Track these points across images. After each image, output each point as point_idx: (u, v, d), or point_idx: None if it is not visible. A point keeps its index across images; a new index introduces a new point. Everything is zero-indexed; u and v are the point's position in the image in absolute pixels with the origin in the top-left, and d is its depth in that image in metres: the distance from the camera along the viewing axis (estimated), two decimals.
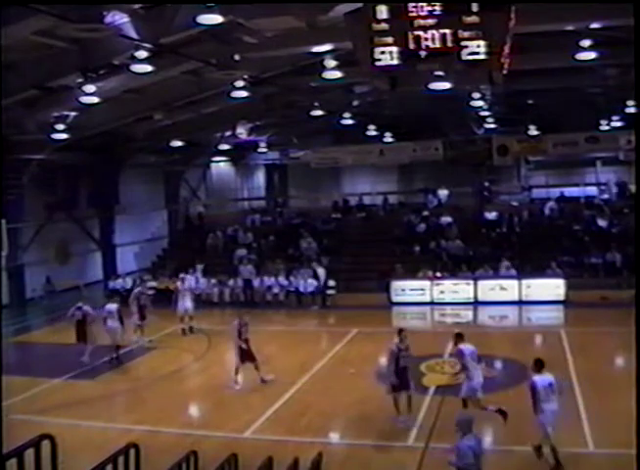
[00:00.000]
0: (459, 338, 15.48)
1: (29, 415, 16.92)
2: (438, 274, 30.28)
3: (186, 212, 45.57)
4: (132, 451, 10.26)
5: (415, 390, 16.07)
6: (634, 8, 8.81)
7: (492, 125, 45.56)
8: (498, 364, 20.13)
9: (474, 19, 10.30)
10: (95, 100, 23.35)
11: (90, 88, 22.27)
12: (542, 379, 13.00)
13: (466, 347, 15.24)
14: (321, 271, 30.98)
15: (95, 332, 22.70)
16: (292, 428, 15.56)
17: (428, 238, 34.52)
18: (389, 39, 10.89)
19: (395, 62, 10.95)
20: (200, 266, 32.78)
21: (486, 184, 41.31)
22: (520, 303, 28.49)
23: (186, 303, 25.96)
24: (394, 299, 29.94)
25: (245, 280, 32.09)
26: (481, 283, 29.20)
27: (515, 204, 38.18)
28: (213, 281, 32.56)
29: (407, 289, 29.98)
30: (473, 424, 10.63)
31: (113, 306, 22.61)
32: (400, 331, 15.93)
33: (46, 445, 8.15)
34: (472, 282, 29.30)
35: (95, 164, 36.54)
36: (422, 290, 29.85)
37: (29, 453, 7.56)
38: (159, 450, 12.75)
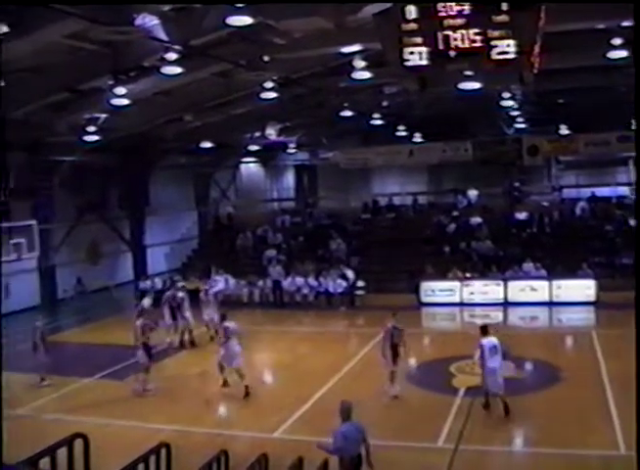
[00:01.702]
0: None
1: (60, 414, 17.11)
2: (468, 275, 30.13)
3: (216, 213, 45.73)
4: (163, 451, 10.33)
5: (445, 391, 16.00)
6: (634, 8, 8.74)
7: (522, 125, 45.30)
8: (528, 366, 19.98)
9: (503, 18, 10.23)
10: (125, 102, 23.50)
11: (121, 90, 22.43)
12: (488, 341, 15.58)
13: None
14: (350, 274, 30.91)
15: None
16: (321, 429, 15.47)
17: (457, 239, 34.37)
18: (419, 39, 10.85)
19: (425, 62, 10.91)
20: (216, 269, 32.69)
21: (517, 184, 41.07)
22: (550, 304, 28.25)
23: (210, 312, 25.12)
24: (424, 299, 29.83)
25: (274, 281, 32.12)
26: (512, 284, 29.01)
27: (545, 204, 37.89)
28: (243, 282, 32.63)
29: (437, 290, 29.86)
30: (352, 412, 11.35)
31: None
32: (394, 313, 18.17)
33: (78, 443, 8.22)
34: (502, 283, 29.12)
35: (125, 165, 36.78)
36: (451, 291, 29.71)
37: (62, 452, 7.64)
38: (189, 450, 12.80)
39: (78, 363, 22.09)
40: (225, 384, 19.09)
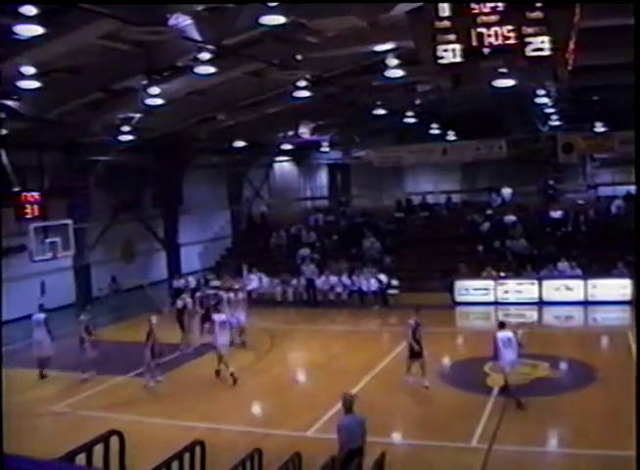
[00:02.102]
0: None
1: (95, 411, 17.26)
2: (502, 274, 29.94)
3: (249, 212, 45.89)
4: (197, 449, 10.37)
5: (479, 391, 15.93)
6: (634, 8, 8.63)
7: (557, 122, 44.91)
8: (563, 365, 19.83)
9: (537, 14, 10.12)
10: (159, 102, 23.62)
11: (154, 90, 22.55)
12: (503, 334, 16.74)
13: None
14: (382, 277, 30.78)
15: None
16: None
17: (492, 237, 34.16)
18: (452, 37, 10.78)
19: (458, 59, 10.83)
20: (248, 268, 32.82)
21: (551, 182, 40.74)
22: (585, 303, 28.00)
23: (238, 313, 24.78)
24: (458, 298, 29.71)
25: (307, 279, 32.15)
26: (546, 283, 28.79)
27: (580, 202, 37.56)
28: (276, 281, 32.71)
29: (471, 289, 29.72)
30: (353, 404, 11.78)
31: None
32: (417, 310, 19.68)
33: (113, 440, 8.27)
34: (536, 282, 28.91)
35: (159, 164, 36.99)
36: (486, 290, 29.56)
37: (98, 448, 7.69)
38: (222, 448, 12.85)
39: (113, 361, 22.25)
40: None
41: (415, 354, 18.34)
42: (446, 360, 21.49)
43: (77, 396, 19.27)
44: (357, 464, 11.31)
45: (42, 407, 18.30)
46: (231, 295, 25.28)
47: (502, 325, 17.34)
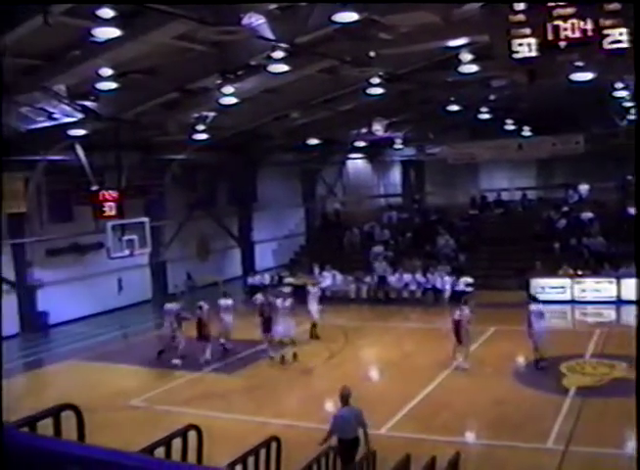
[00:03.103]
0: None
1: (171, 406, 17.51)
2: (580, 272, 29.35)
3: (323, 210, 46.00)
4: (273, 444, 10.43)
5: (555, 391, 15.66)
6: (634, 8, 8.35)
7: (636, 116, 43.77)
8: None
9: (615, 6, 9.89)
10: (233, 100, 23.85)
11: (229, 89, 22.79)
12: (536, 307, 19.90)
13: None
14: (447, 279, 30.48)
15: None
16: (428, 426, 15.44)
17: (568, 235, 33.53)
18: (527, 31, 10.59)
19: (534, 53, 10.65)
20: (321, 266, 32.88)
21: (630, 178, 39.73)
22: None
23: (313, 307, 25.47)
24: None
25: (379, 277, 32.10)
26: (625, 281, 28.09)
27: None
28: (350, 278, 32.70)
29: (547, 287, 29.21)
30: (350, 397, 12.66)
31: (228, 302, 23.83)
32: (466, 301, 21.78)
33: (190, 434, 8.37)
34: (615, 280, 28.27)
35: (233, 162, 37.34)
36: (562, 288, 29.04)
37: (176, 443, 7.79)
38: (296, 444, 12.86)
39: (188, 357, 22.54)
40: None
41: (459, 341, 20.43)
42: (521, 360, 21.16)
43: (154, 390, 19.59)
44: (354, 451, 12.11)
45: (121, 401, 18.66)
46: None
47: (534, 299, 20.97)
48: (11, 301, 27.91)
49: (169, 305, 23.09)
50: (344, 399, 12.68)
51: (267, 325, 22.25)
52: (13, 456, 3.40)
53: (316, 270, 32.39)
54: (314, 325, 25.02)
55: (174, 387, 19.76)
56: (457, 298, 29.06)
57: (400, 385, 18.85)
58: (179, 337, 22.29)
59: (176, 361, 21.69)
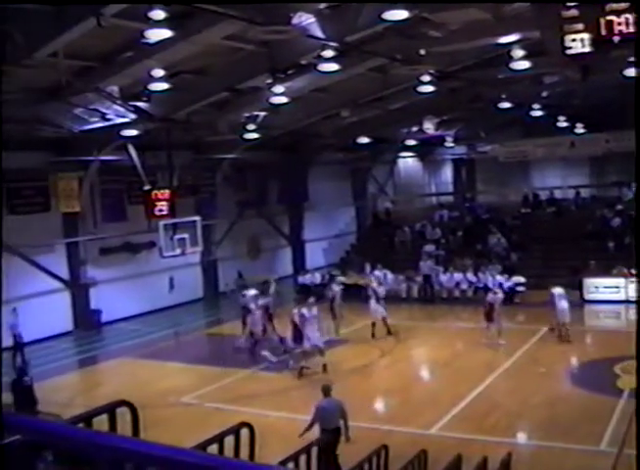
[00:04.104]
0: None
1: (221, 403, 17.64)
2: (634, 271, 28.86)
3: (374, 208, 45.91)
4: None
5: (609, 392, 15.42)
6: (635, 8, 8.13)
7: None
8: None
9: None
10: (283, 100, 23.91)
11: (279, 89, 22.85)
12: (557, 290, 23.41)
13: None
14: (499, 278, 30.19)
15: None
16: (479, 426, 15.33)
17: (623, 233, 32.96)
18: (580, 26, 10.42)
19: (587, 49, 10.46)
20: (371, 264, 32.90)
21: None
22: None
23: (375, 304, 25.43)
24: (587, 296, 28.83)
25: (424, 276, 31.95)
26: None
27: None
28: (401, 277, 32.59)
29: (601, 286, 28.79)
30: (331, 390, 13.38)
31: (266, 300, 24.24)
32: (496, 292, 23.98)
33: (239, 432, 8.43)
34: None
35: (284, 161, 37.46)
36: (616, 288, 28.56)
37: (229, 440, 7.85)
38: (347, 443, 12.90)
39: (238, 355, 22.69)
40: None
41: (490, 320, 22.95)
42: (574, 360, 20.91)
43: (205, 388, 19.75)
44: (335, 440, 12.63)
45: (172, 398, 18.85)
46: (374, 284, 26.33)
47: (556, 286, 23.80)
48: (65, 299, 28.36)
49: (261, 300, 23.34)
50: (325, 390, 13.29)
51: (298, 334, 21.84)
52: (71, 451, 3.46)
53: (367, 269, 32.33)
54: (384, 322, 24.98)
55: (225, 385, 19.89)
56: (509, 297, 28.94)
57: (451, 385, 18.75)
58: (269, 330, 22.78)
59: (266, 353, 21.84)
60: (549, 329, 23.60)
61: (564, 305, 22.88)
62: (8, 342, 22.87)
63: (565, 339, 22.51)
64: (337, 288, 27.13)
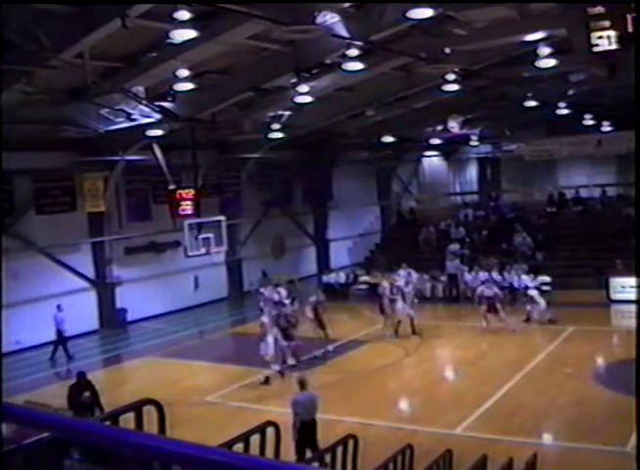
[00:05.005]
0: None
1: (245, 402, 17.68)
2: None
3: (398, 208, 45.82)
4: (350, 442, 10.45)
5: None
6: (635, 8, 8.02)
7: None
8: None
9: None
10: (308, 99, 23.93)
11: (303, 88, 22.87)
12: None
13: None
14: (525, 277, 30.00)
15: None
16: (504, 427, 15.24)
17: None
18: (607, 23, 10.33)
19: (614, 46, 10.38)
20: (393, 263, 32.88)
21: None
22: None
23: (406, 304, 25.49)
24: (613, 296, 28.56)
25: (449, 275, 31.83)
26: None
27: None
28: (426, 276, 32.48)
29: (628, 286, 28.48)
30: (306, 383, 13.84)
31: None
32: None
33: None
34: None
35: (308, 161, 37.48)
36: None
37: (254, 438, 7.88)
38: (371, 442, 12.88)
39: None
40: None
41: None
42: (601, 360, 20.75)
43: (230, 387, 19.80)
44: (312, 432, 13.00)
45: (197, 397, 18.92)
46: (400, 283, 26.31)
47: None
48: (91, 298, 28.55)
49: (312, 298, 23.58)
50: (301, 384, 13.76)
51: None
52: (98, 449, 3.48)
53: (399, 269, 32.21)
54: (411, 322, 25.01)
55: (249, 384, 19.91)
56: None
57: (476, 384, 18.66)
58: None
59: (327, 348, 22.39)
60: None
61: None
62: (51, 336, 24.21)
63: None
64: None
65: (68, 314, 24.64)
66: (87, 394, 15.35)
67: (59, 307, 24.65)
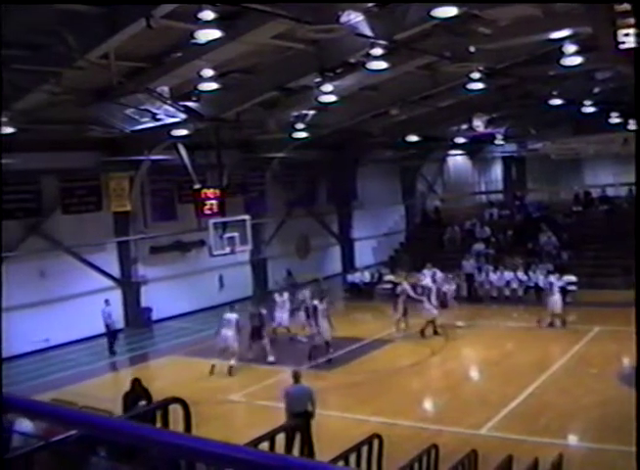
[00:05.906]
0: None
1: (270, 401, 17.66)
2: None
3: (423, 207, 45.72)
4: (375, 442, 10.45)
5: None
6: (635, 7, 7.92)
7: None
8: None
9: None
10: (332, 98, 23.92)
11: (328, 87, 22.87)
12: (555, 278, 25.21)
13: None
14: (551, 277, 29.81)
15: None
16: (529, 427, 15.16)
17: None
18: (633, 20, 10.26)
19: None
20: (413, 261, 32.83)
21: None
22: None
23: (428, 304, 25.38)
24: None
25: (466, 274, 31.68)
26: None
27: None
28: (450, 276, 32.33)
29: None
30: (301, 377, 14.25)
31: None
32: None
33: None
34: None
35: (333, 160, 37.48)
36: None
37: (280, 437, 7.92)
38: (396, 442, 12.85)
39: (287, 353, 22.75)
40: None
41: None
42: (627, 361, 20.57)
43: (254, 386, 19.85)
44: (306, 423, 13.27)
45: (220, 396, 18.98)
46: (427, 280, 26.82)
47: None
48: (116, 297, 28.70)
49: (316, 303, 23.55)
50: (295, 377, 14.23)
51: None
52: (125, 447, 3.51)
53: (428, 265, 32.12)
54: (432, 322, 24.88)
55: (273, 383, 19.90)
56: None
57: (501, 384, 18.59)
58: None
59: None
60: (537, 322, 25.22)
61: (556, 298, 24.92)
62: (101, 329, 25.20)
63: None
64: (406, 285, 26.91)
65: (93, 313, 24.85)
66: (144, 402, 13.43)
67: (107, 302, 25.28)
